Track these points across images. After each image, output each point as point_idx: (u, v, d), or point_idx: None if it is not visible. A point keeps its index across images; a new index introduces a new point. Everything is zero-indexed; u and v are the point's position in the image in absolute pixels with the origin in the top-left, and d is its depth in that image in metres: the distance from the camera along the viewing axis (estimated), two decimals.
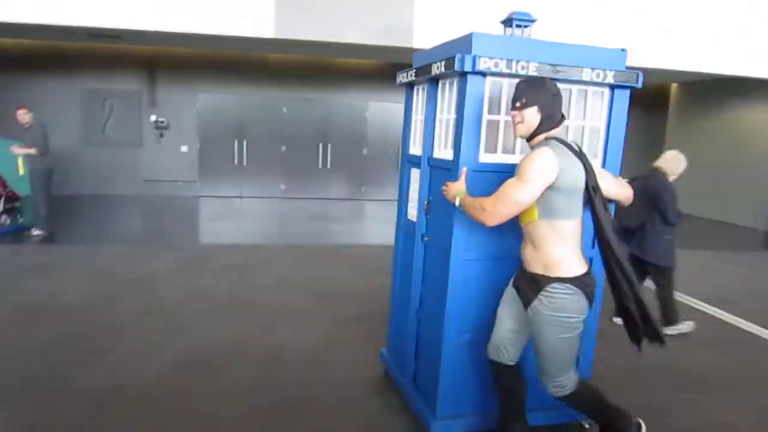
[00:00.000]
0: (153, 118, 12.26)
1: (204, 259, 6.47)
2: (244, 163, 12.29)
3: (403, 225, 3.33)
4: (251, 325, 4.33)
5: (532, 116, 2.31)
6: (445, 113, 2.80)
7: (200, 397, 3.19)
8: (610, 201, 2.59)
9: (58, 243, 7.40)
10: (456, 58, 2.44)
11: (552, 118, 2.33)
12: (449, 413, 2.80)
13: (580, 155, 2.32)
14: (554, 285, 2.28)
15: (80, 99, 12.11)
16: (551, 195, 2.25)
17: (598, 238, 2.36)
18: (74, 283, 5.34)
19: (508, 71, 2.46)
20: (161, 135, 12.35)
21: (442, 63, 2.58)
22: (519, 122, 2.35)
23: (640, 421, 2.50)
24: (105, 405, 3.05)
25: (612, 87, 2.72)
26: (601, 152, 2.80)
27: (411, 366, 3.15)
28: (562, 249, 2.29)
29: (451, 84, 2.72)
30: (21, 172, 7.70)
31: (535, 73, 2.49)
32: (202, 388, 3.28)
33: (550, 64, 2.51)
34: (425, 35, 8.33)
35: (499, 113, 2.61)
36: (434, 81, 2.87)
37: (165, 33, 8.64)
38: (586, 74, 2.59)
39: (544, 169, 2.20)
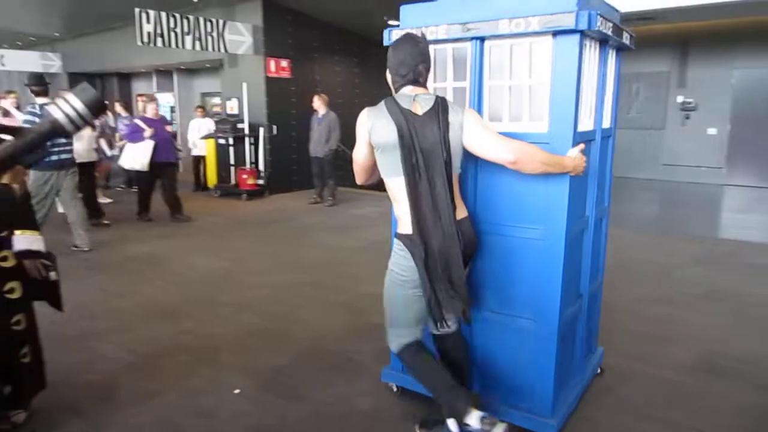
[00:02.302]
0: (680, 99, 11.70)
1: (727, 255, 5.81)
2: None
3: None
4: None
5: (388, 78, 2.38)
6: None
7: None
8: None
9: None
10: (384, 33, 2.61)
11: (396, 76, 2.31)
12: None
13: (401, 114, 2.20)
14: (394, 239, 2.37)
15: None
16: (375, 154, 2.32)
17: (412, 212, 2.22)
18: None
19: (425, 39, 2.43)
20: (687, 117, 11.69)
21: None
22: None
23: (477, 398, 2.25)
24: None
25: (555, 34, 2.24)
26: (547, 115, 2.33)
27: None
28: (398, 207, 2.32)
29: None
30: None
31: (445, 36, 2.43)
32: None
33: (460, 23, 2.37)
34: None
35: (444, 81, 2.61)
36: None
37: (701, 6, 8.07)
38: (502, 26, 2.29)
39: (359, 127, 2.31)
